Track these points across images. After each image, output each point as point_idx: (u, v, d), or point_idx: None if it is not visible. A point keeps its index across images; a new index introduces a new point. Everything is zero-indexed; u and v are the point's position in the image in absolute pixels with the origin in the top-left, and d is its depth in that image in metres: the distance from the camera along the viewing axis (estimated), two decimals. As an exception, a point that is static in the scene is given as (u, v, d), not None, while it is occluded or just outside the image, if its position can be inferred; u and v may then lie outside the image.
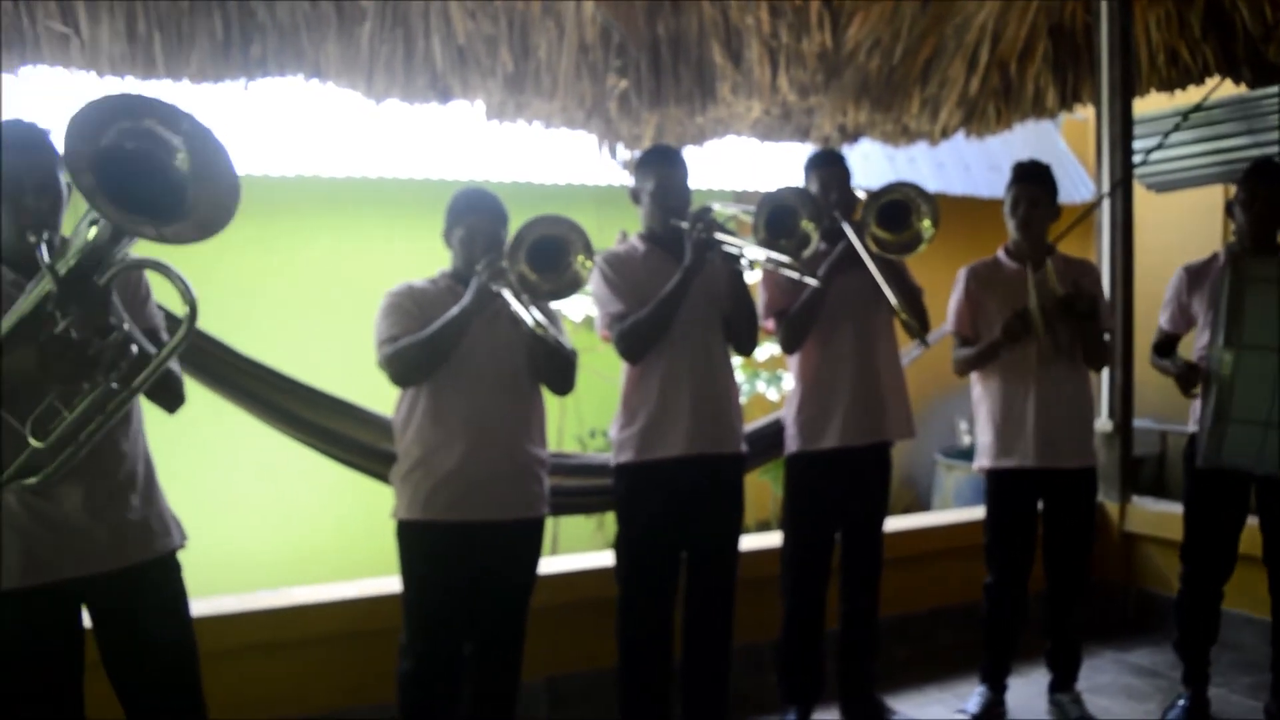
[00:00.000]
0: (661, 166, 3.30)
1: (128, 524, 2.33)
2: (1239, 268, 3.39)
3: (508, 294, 2.76)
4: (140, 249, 2.06)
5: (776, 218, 3.28)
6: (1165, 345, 3.76)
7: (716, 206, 3.41)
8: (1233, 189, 3.63)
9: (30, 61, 3.56)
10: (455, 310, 2.84)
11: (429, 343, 2.84)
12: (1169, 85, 5.22)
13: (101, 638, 2.38)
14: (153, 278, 2.21)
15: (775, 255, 3.16)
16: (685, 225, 3.17)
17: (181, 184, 1.88)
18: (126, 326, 2.11)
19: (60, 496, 2.24)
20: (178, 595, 2.47)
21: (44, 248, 1.98)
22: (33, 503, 2.23)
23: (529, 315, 2.71)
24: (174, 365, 2.39)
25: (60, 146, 1.80)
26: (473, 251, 2.93)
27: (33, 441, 2.09)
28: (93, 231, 1.92)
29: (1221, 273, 3.45)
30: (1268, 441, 3.26)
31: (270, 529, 5.61)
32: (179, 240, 1.86)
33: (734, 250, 3.14)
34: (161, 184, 1.87)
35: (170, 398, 2.42)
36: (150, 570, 2.38)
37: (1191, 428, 3.61)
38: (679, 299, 3.15)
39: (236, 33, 3.76)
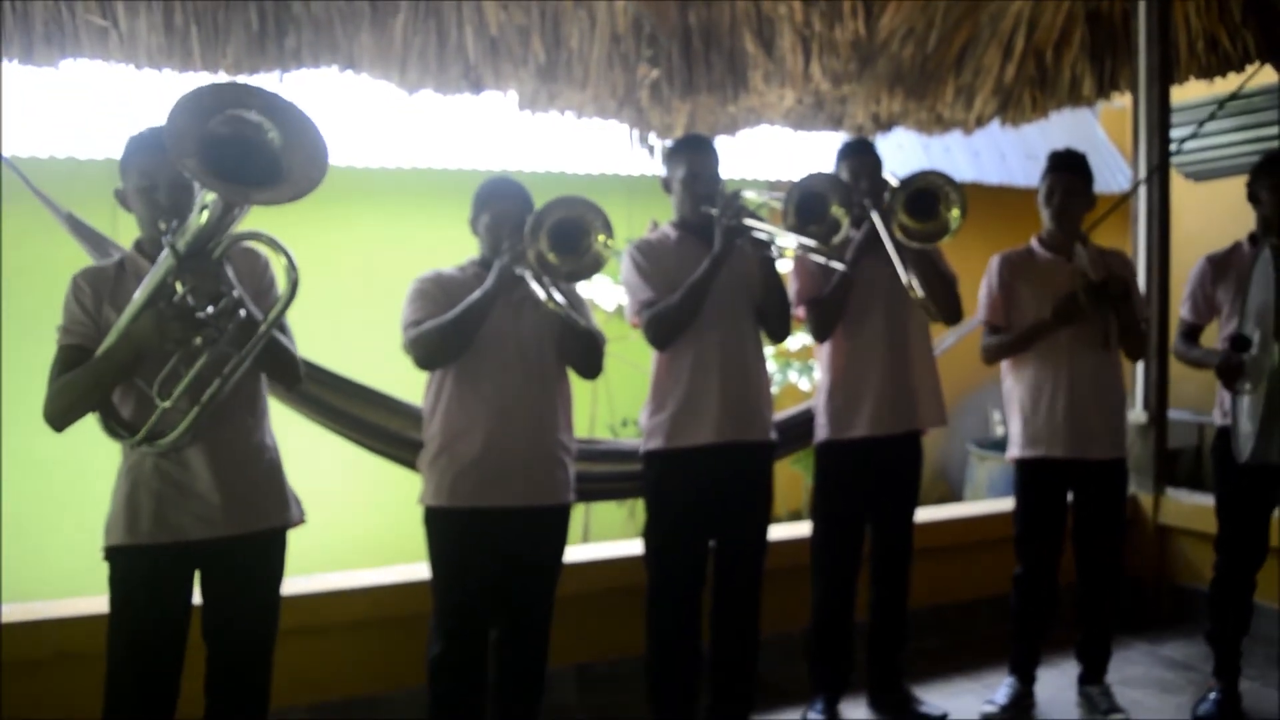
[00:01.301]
0: (692, 154, 3.31)
1: (249, 494, 2.53)
2: None
3: (528, 276, 2.78)
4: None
5: (806, 204, 3.26)
6: (1190, 336, 3.73)
7: (747, 194, 3.42)
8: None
9: (70, 55, 3.62)
10: (477, 294, 2.88)
11: (452, 326, 2.87)
12: (1208, 73, 5.14)
13: (209, 601, 2.56)
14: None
15: (804, 240, 3.16)
16: (715, 212, 3.17)
17: (275, 155, 2.09)
18: (236, 294, 2.33)
19: (189, 462, 2.46)
20: (279, 569, 2.66)
21: (169, 234, 2.26)
22: (164, 466, 2.45)
23: (545, 294, 2.73)
24: (292, 344, 2.60)
25: (167, 147, 2.02)
26: (499, 238, 2.95)
27: (158, 401, 2.37)
28: (204, 215, 2.18)
29: (1253, 263, 3.39)
30: None
31: (310, 516, 5.66)
32: (281, 201, 2.08)
33: (763, 236, 3.15)
34: (258, 156, 2.09)
35: (286, 374, 2.61)
36: (263, 540, 2.57)
37: (1219, 420, 3.58)
38: (707, 286, 3.16)
39: (272, 25, 3.81)
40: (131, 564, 2.46)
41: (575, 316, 2.82)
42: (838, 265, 3.23)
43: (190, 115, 2.00)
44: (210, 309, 2.27)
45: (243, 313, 2.33)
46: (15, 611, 3.21)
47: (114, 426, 2.44)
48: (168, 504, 2.44)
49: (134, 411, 2.44)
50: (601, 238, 2.87)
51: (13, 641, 3.07)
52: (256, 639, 2.62)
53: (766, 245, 3.18)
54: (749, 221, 3.13)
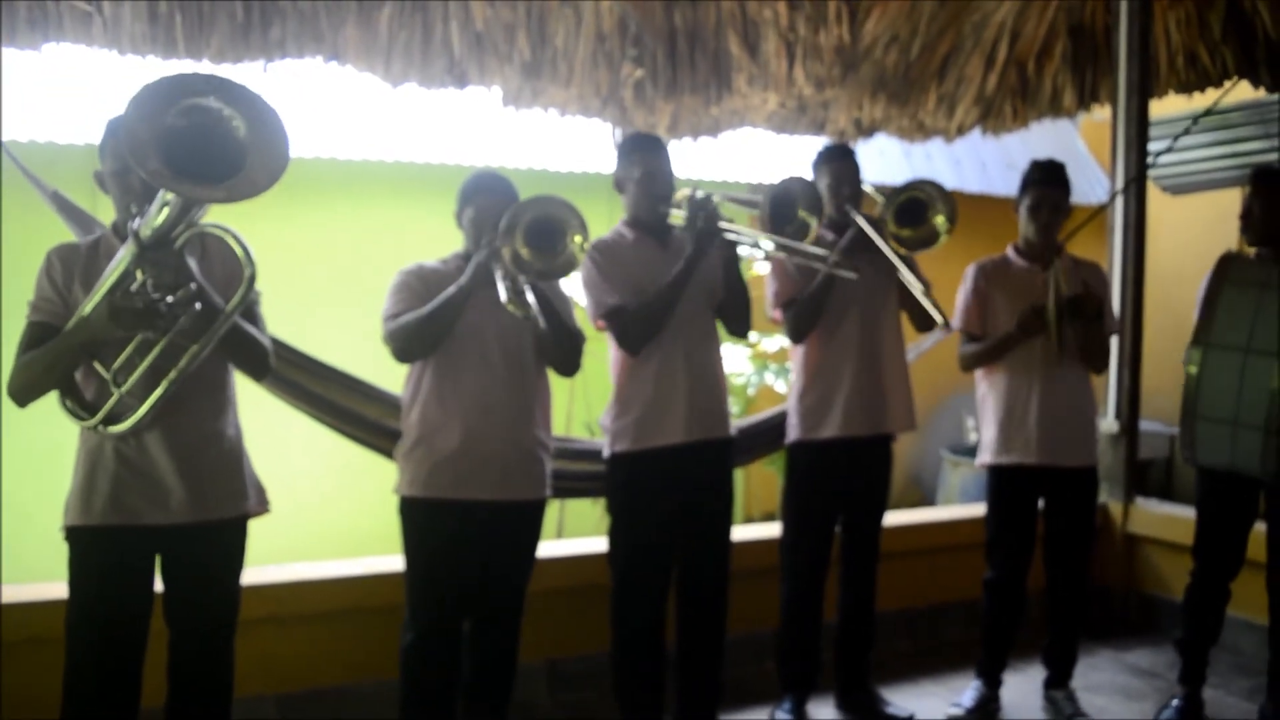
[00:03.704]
0: (648, 155, 3.29)
1: (207, 482, 2.52)
2: (1221, 270, 3.45)
3: (498, 275, 2.79)
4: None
5: (780, 208, 3.28)
6: None
7: (715, 196, 3.43)
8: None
9: (53, 39, 3.60)
10: (453, 288, 2.89)
11: (427, 319, 2.89)
12: (1188, 88, 5.19)
13: (167, 586, 2.57)
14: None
15: (785, 241, 3.20)
16: (683, 213, 3.19)
17: (240, 144, 2.07)
18: (194, 286, 2.31)
19: (147, 447, 2.46)
20: (239, 557, 2.65)
21: (137, 219, 2.26)
22: (123, 450, 2.46)
23: (509, 295, 2.75)
24: (262, 337, 2.61)
25: (124, 140, 2.00)
26: (482, 232, 2.96)
27: (114, 388, 2.38)
28: (164, 212, 2.16)
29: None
30: (1238, 440, 3.32)
31: (283, 505, 5.65)
32: (244, 194, 2.06)
33: (743, 240, 3.17)
34: (220, 147, 2.07)
35: (254, 364, 2.61)
36: (223, 529, 2.57)
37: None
38: (681, 289, 3.18)
39: (256, 14, 3.80)
40: (88, 545, 2.47)
41: (539, 316, 2.84)
42: (820, 252, 3.24)
43: (150, 109, 1.99)
44: (168, 299, 2.26)
45: (199, 305, 2.32)
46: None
47: (73, 407, 2.44)
48: (123, 487, 2.45)
49: (96, 394, 2.45)
50: (578, 239, 2.88)
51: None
52: (217, 627, 2.62)
53: (734, 244, 3.19)
54: (724, 225, 3.15)
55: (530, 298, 2.80)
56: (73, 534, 2.49)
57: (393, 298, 2.99)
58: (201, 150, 2.04)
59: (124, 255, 2.28)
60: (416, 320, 2.90)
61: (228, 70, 3.84)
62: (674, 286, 3.17)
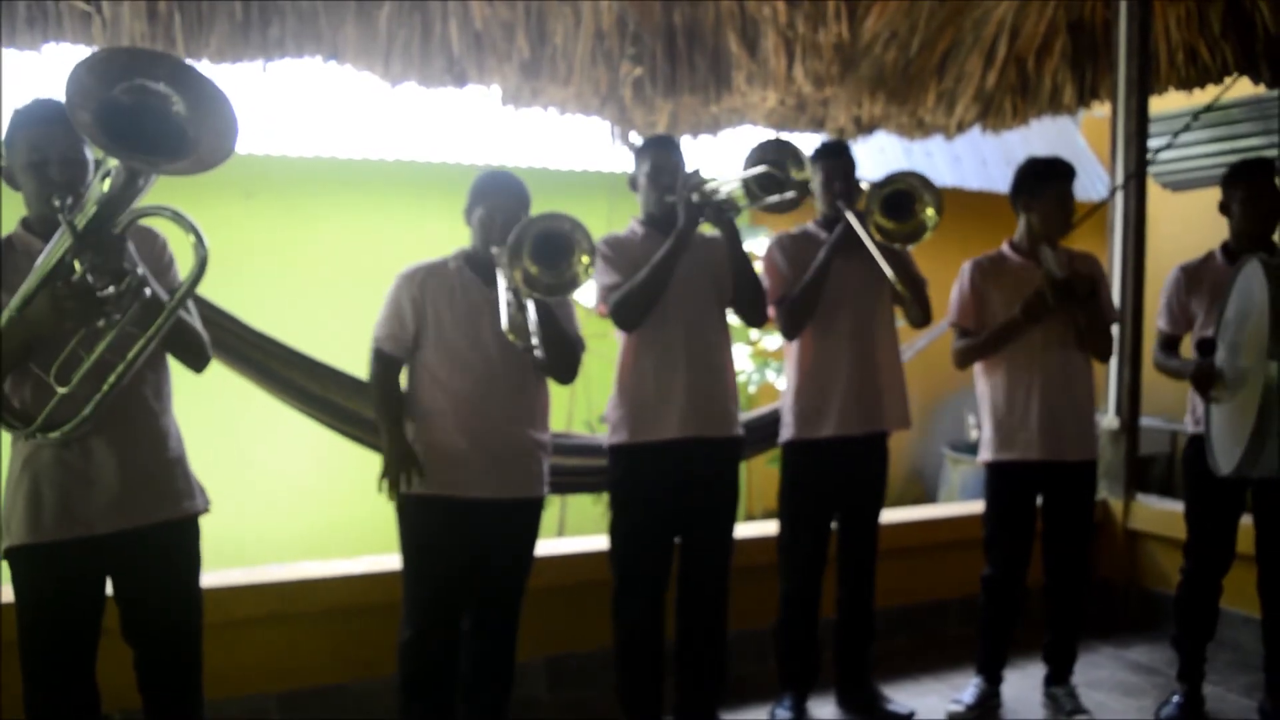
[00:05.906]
0: (656, 149, 3.32)
1: (157, 481, 2.44)
2: (1276, 277, 3.29)
3: (501, 299, 2.77)
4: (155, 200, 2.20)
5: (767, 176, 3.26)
6: (1169, 346, 3.76)
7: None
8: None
9: (52, 39, 3.61)
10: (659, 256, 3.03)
11: (384, 394, 3.01)
12: (1187, 84, 5.20)
13: (123, 599, 2.48)
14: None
15: (756, 171, 3.20)
16: (674, 198, 3.21)
17: (181, 126, 2.01)
18: (141, 271, 2.21)
19: (93, 451, 2.34)
20: (196, 558, 2.58)
21: (69, 210, 2.11)
22: (66, 457, 2.33)
23: (506, 321, 2.72)
24: (198, 324, 2.52)
25: (67, 108, 1.92)
26: (491, 232, 2.95)
27: (57, 388, 2.22)
28: (106, 183, 2.06)
29: (1235, 274, 3.37)
30: None
31: (284, 505, 5.67)
32: (187, 173, 2.01)
33: (721, 195, 3.17)
34: (163, 128, 2.00)
35: (194, 355, 2.52)
36: (175, 529, 2.49)
37: (1191, 428, 3.61)
38: (673, 263, 3.17)
39: (255, 14, 3.81)
40: (36, 565, 2.35)
41: (537, 348, 2.80)
42: (789, 195, 3.22)
43: (94, 80, 1.93)
44: (112, 289, 2.15)
45: (148, 291, 2.22)
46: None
47: (6, 418, 2.30)
48: (73, 497, 2.33)
49: (28, 400, 2.31)
50: (585, 260, 2.83)
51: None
52: (183, 635, 2.54)
53: (728, 211, 3.20)
54: (706, 188, 3.15)
55: (532, 315, 2.78)
56: (19, 554, 2.35)
57: (381, 315, 3.05)
58: (144, 129, 1.98)
59: (57, 247, 2.16)
60: (380, 378, 3.00)
61: (227, 70, 3.85)
62: (664, 261, 3.16)
